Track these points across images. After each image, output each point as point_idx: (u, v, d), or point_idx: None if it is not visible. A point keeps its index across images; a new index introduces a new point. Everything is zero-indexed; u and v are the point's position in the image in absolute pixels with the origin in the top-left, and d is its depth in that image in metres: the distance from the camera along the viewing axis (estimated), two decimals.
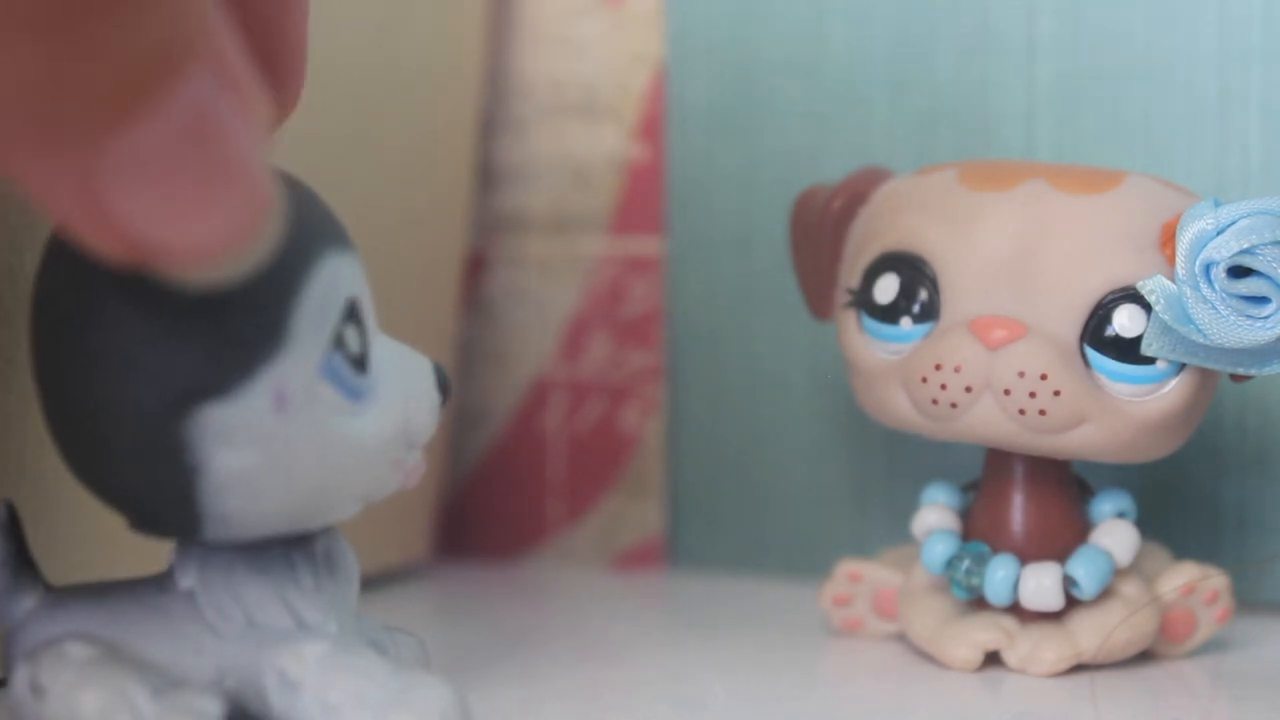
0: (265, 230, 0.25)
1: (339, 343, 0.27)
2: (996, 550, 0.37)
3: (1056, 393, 0.35)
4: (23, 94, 0.22)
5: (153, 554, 0.30)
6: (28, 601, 0.29)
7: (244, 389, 0.26)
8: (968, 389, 0.35)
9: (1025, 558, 0.37)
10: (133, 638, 0.28)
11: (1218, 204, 0.35)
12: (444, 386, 0.30)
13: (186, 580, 0.29)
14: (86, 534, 0.33)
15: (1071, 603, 0.37)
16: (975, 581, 0.37)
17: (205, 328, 0.26)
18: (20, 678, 0.28)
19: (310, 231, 0.27)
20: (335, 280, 0.27)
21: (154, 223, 0.23)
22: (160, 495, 0.27)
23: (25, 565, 0.29)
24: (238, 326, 0.26)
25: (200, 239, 0.24)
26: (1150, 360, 0.35)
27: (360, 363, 0.28)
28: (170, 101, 0.23)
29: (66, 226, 0.24)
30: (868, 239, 0.38)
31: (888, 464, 0.46)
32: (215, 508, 0.26)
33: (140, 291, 0.26)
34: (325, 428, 0.27)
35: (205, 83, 0.23)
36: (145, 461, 0.26)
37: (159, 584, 0.29)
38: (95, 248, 0.24)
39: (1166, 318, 0.34)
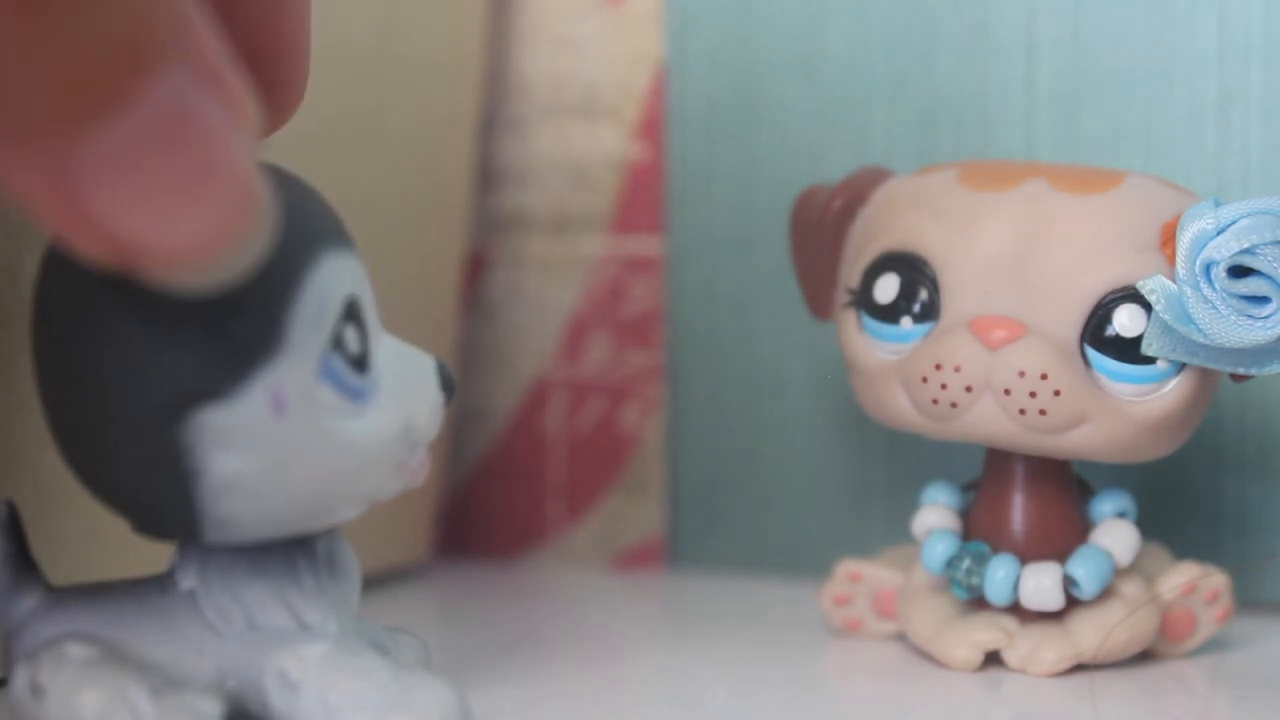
0: (252, 232, 0.24)
1: (337, 343, 0.27)
2: (997, 550, 0.37)
3: (1057, 392, 0.35)
4: None
5: (153, 554, 0.30)
6: (28, 601, 0.29)
7: (241, 392, 0.26)
8: (968, 389, 0.35)
9: (1025, 558, 0.37)
10: (133, 638, 0.28)
11: (1218, 204, 0.35)
12: (448, 385, 0.30)
13: (187, 581, 0.28)
14: (86, 534, 0.33)
15: (1071, 603, 0.37)
16: (975, 581, 0.37)
17: (202, 331, 0.26)
18: (20, 678, 0.28)
19: (308, 231, 0.27)
20: (333, 280, 0.27)
21: (133, 222, 0.23)
22: (160, 499, 0.27)
23: (25, 565, 0.29)
24: (234, 329, 0.26)
25: (183, 240, 0.23)
26: (1150, 360, 0.35)
27: (360, 363, 0.28)
28: (145, 97, 0.23)
29: (48, 227, 0.24)
30: (868, 239, 0.38)
31: (888, 464, 0.46)
32: (214, 511, 0.26)
33: (136, 295, 0.26)
34: (325, 430, 0.27)
35: (184, 80, 0.23)
36: (144, 466, 0.26)
37: (159, 584, 0.29)
38: (78, 249, 0.23)
39: (1167, 317, 0.34)
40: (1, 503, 0.29)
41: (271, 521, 0.27)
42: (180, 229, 0.23)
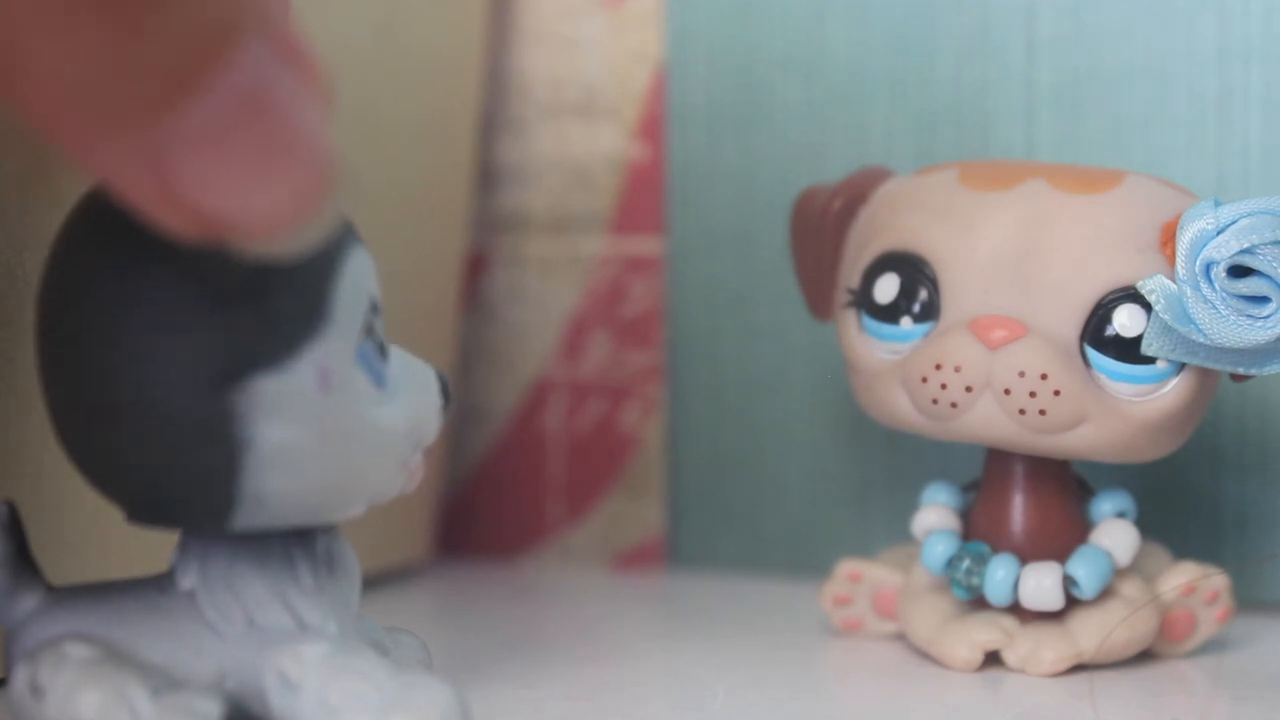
0: (331, 201, 0.25)
1: (369, 331, 0.28)
2: (997, 550, 0.37)
3: (1056, 392, 0.35)
4: (85, 76, 0.22)
5: (153, 554, 0.30)
6: (28, 601, 0.29)
7: (291, 363, 0.26)
8: (968, 389, 0.35)
9: (1025, 558, 0.37)
10: (133, 638, 0.28)
11: (1218, 204, 0.35)
12: (446, 392, 0.30)
13: (187, 580, 0.29)
14: (86, 534, 0.33)
15: (1071, 603, 0.37)
16: (975, 581, 0.37)
17: (253, 302, 0.26)
18: (20, 678, 0.28)
19: (342, 221, 0.28)
20: (363, 271, 0.28)
21: (219, 196, 0.23)
22: (202, 474, 0.26)
23: (25, 565, 0.29)
24: (284, 302, 0.26)
25: (266, 210, 0.24)
26: (1150, 360, 0.35)
27: (384, 353, 0.29)
28: (229, 75, 0.23)
29: (133, 206, 0.24)
30: (868, 239, 0.38)
31: (888, 464, 0.46)
32: (254, 487, 0.27)
33: (184, 267, 0.26)
34: (358, 412, 0.28)
35: (263, 55, 0.23)
36: (193, 437, 0.26)
37: (159, 584, 0.29)
38: (163, 225, 0.24)
39: (1166, 317, 0.34)
40: (1, 503, 0.29)
41: (300, 503, 0.27)
42: (265, 200, 0.24)
